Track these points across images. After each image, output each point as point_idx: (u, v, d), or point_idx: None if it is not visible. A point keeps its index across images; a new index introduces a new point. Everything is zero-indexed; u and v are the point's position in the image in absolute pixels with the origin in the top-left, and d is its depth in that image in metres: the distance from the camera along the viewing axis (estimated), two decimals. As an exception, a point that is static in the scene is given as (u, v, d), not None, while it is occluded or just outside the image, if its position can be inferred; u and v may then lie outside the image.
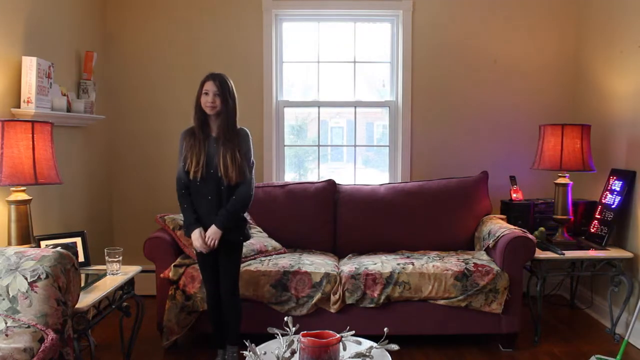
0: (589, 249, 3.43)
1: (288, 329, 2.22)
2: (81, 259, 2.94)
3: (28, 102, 2.83)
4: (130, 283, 2.87)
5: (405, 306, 3.16)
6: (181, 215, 3.35)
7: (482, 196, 3.77)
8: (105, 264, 2.85)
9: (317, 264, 3.26)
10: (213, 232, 2.74)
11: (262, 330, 2.36)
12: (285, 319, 2.27)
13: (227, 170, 2.72)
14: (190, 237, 2.82)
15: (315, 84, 4.33)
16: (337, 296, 3.11)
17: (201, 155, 2.75)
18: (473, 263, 3.20)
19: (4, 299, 2.07)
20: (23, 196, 2.60)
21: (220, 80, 2.75)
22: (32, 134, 2.53)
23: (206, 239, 2.74)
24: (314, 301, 3.10)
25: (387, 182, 4.24)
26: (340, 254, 3.65)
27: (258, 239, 3.44)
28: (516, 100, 4.24)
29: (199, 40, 4.16)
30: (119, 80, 4.17)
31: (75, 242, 2.95)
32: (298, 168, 4.44)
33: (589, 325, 3.64)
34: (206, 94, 2.74)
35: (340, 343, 2.11)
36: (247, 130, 2.87)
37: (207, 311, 2.99)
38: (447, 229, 3.67)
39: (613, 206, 3.48)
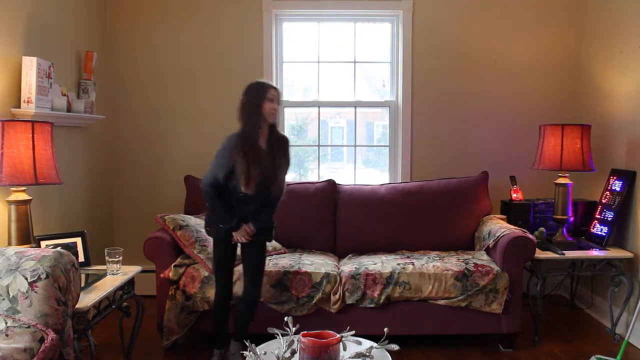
0: (589, 249, 3.43)
1: (288, 329, 2.22)
2: (81, 259, 2.94)
3: (28, 102, 2.83)
4: (130, 283, 2.87)
5: (405, 306, 3.16)
6: (181, 215, 3.38)
7: (482, 196, 3.77)
8: (105, 264, 2.85)
9: (317, 264, 3.26)
10: (252, 229, 2.80)
11: (262, 330, 2.36)
12: (285, 319, 2.27)
13: (282, 182, 2.82)
14: (214, 236, 2.87)
15: (315, 84, 4.33)
16: (337, 296, 3.11)
17: (262, 166, 2.71)
18: (473, 263, 3.20)
19: (4, 299, 2.07)
20: (23, 196, 2.59)
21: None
22: (32, 134, 2.52)
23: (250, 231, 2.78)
24: (314, 301, 3.10)
25: (387, 182, 4.24)
26: (340, 254, 3.65)
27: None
28: (516, 100, 4.24)
29: (199, 40, 4.16)
30: (119, 80, 4.17)
31: (75, 242, 2.95)
32: (298, 168, 4.44)
33: (589, 325, 3.64)
34: (272, 100, 2.73)
35: (340, 343, 2.11)
36: None
37: (213, 311, 2.98)
38: (447, 229, 3.67)
39: (613, 206, 3.48)
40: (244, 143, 2.71)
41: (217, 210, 2.80)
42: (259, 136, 2.76)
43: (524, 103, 4.24)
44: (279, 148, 2.80)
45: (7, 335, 1.95)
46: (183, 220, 3.27)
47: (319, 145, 4.38)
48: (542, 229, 3.60)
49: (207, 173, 2.80)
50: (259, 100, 2.73)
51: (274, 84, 2.82)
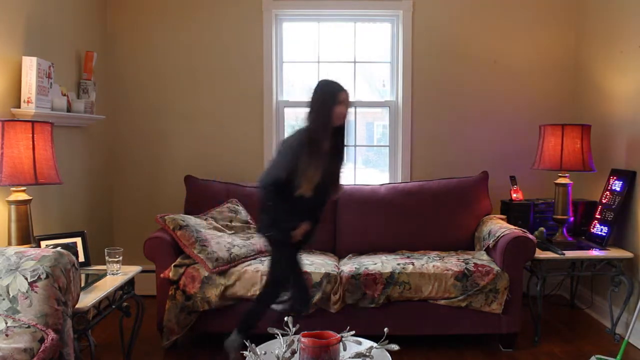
0: (589, 249, 3.43)
1: (288, 329, 2.22)
2: (81, 259, 2.94)
3: (28, 102, 2.83)
4: (130, 283, 2.87)
5: (406, 306, 3.16)
6: (181, 215, 3.38)
7: (482, 196, 3.77)
8: (105, 264, 2.85)
9: (317, 264, 3.26)
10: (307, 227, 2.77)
11: (262, 330, 2.36)
12: (285, 319, 2.27)
13: (341, 183, 2.84)
14: (278, 238, 2.78)
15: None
16: (337, 296, 3.11)
17: (323, 168, 2.63)
18: (473, 263, 3.20)
19: (4, 299, 2.07)
20: (23, 196, 2.60)
21: None
22: (32, 134, 2.52)
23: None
24: (314, 301, 3.10)
25: (387, 182, 4.24)
26: (340, 254, 3.65)
27: (258, 239, 3.44)
28: (516, 100, 4.24)
29: (198, 40, 4.16)
30: (119, 80, 4.17)
31: (75, 242, 2.95)
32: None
33: (589, 325, 3.64)
34: (343, 104, 2.64)
35: (340, 343, 2.11)
36: None
37: (291, 313, 2.77)
38: (447, 229, 3.67)
39: (613, 206, 3.48)
40: (309, 144, 2.63)
41: (276, 210, 2.69)
42: (325, 138, 2.66)
43: (524, 103, 4.24)
44: (341, 149, 2.76)
45: (7, 335, 1.95)
46: (183, 220, 3.27)
47: (319, 145, 4.37)
48: (542, 229, 3.60)
49: (267, 171, 2.69)
50: (331, 103, 2.62)
51: (344, 86, 2.67)
